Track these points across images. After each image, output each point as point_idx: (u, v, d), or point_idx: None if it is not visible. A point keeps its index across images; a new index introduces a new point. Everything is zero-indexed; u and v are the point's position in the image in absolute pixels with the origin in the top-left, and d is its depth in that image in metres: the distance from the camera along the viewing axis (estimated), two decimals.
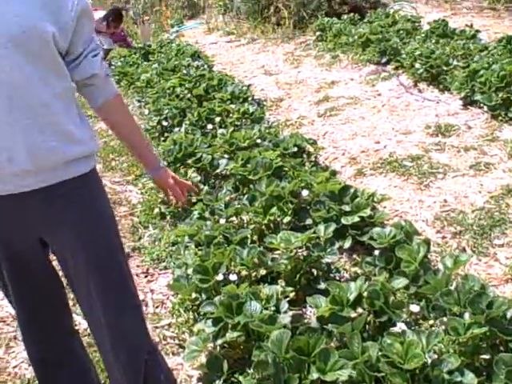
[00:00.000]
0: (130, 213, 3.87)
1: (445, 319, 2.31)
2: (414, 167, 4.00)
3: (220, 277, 2.66)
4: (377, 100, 5.48)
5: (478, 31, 6.55)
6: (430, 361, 2.09)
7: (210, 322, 2.44)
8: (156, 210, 3.73)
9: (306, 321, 2.56)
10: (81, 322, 2.69)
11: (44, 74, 1.57)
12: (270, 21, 9.22)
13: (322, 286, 2.70)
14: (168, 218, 3.66)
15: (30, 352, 2.03)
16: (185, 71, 6.18)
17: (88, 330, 2.41)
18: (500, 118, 4.56)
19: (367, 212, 3.09)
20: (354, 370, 2.06)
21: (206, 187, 3.71)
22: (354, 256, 3.04)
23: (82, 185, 1.73)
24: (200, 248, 3.06)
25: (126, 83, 6.76)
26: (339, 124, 5.03)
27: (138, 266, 3.26)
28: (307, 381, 2.08)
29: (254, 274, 2.80)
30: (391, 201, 3.55)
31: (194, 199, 3.60)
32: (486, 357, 2.19)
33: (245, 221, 3.36)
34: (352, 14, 8.27)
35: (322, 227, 2.97)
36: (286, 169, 3.73)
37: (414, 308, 2.44)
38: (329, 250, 2.85)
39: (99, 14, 7.67)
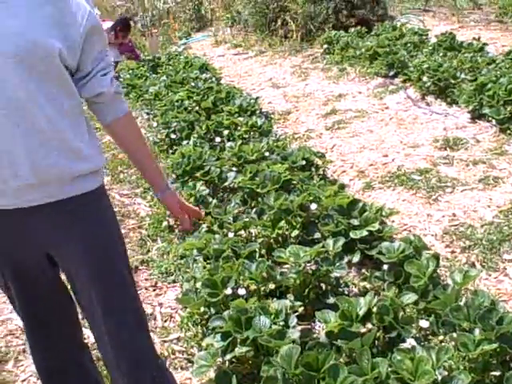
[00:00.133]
0: (139, 226, 3.88)
1: (454, 335, 2.30)
2: (422, 181, 4.00)
3: (229, 291, 2.66)
4: (384, 113, 5.49)
5: (485, 44, 6.56)
6: (440, 377, 2.08)
7: (218, 336, 2.43)
8: (164, 223, 3.73)
9: (314, 336, 2.55)
10: (90, 336, 2.69)
11: (49, 91, 1.56)
12: (278, 33, 9.26)
13: (331, 300, 2.70)
14: (176, 231, 3.67)
15: (38, 365, 2.03)
16: (193, 84, 6.21)
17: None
18: (508, 131, 4.55)
19: (376, 226, 3.08)
20: None
21: (214, 200, 3.71)
22: (363, 270, 3.04)
23: (89, 201, 1.72)
24: (208, 262, 3.06)
25: (134, 95, 6.79)
26: (347, 137, 5.04)
27: (146, 280, 3.26)
28: None
29: (262, 289, 2.79)
30: (400, 215, 3.55)
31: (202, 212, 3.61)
32: (497, 373, 2.18)
33: (253, 234, 3.37)
34: (359, 27, 8.29)
35: (330, 241, 2.97)
36: (295, 182, 3.74)
37: (424, 323, 2.43)
38: (337, 264, 2.84)
39: (107, 25, 7.73)
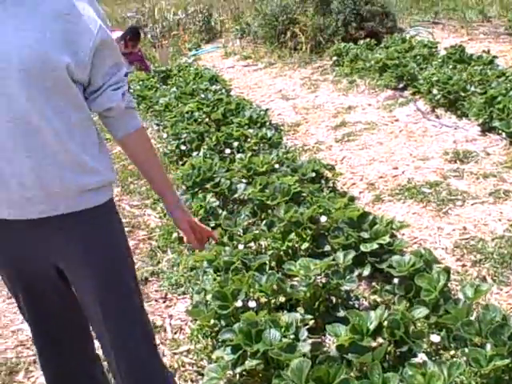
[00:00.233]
0: (149, 237, 3.89)
1: (466, 350, 2.28)
2: (432, 194, 3.99)
3: (239, 303, 2.66)
4: (394, 125, 5.50)
5: (495, 57, 6.55)
6: None
7: (228, 349, 2.43)
8: (174, 235, 3.74)
9: (325, 349, 2.54)
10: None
11: (56, 104, 1.56)
12: (287, 45, 9.29)
13: (341, 313, 2.69)
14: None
15: (47, 377, 2.03)
16: (203, 95, 6.24)
17: None
18: None
19: (386, 239, 3.08)
20: None
21: (224, 212, 3.72)
22: (373, 283, 3.03)
23: (98, 215, 1.72)
24: (218, 274, 3.06)
25: (144, 107, 6.82)
26: (357, 149, 5.04)
27: (156, 291, 3.27)
28: None
29: (272, 301, 2.80)
30: (410, 228, 3.54)
31: (212, 224, 3.62)
32: None
33: (263, 246, 3.37)
34: (368, 39, 8.31)
35: (341, 254, 2.96)
36: (304, 194, 3.74)
37: (435, 338, 2.42)
38: (348, 277, 2.83)
39: (116, 35, 7.80)
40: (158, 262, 3.55)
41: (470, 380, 2.19)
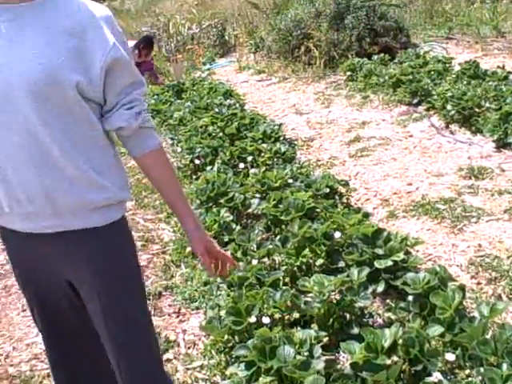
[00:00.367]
0: (163, 251, 3.90)
1: (482, 370, 2.26)
2: (446, 210, 3.97)
3: (253, 319, 2.66)
4: (408, 141, 5.49)
5: (509, 72, 6.52)
6: None
7: (242, 365, 2.43)
8: (188, 249, 3.74)
9: (339, 367, 2.53)
10: None
11: (66, 121, 1.56)
12: (301, 60, 9.32)
13: (355, 330, 2.68)
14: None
15: None
16: (217, 110, 6.27)
17: None
18: None
19: (400, 256, 3.07)
20: None
21: (238, 227, 3.73)
22: (387, 300, 3.02)
23: (108, 233, 1.73)
24: (232, 289, 3.07)
25: (159, 120, 6.86)
26: (370, 165, 5.04)
27: (169, 306, 3.27)
28: None
29: (286, 317, 2.79)
30: (424, 244, 3.52)
31: (226, 238, 3.63)
32: None
33: (277, 262, 3.37)
34: (382, 55, 8.31)
35: (355, 271, 2.95)
36: (318, 210, 3.74)
37: (450, 357, 2.40)
38: (362, 294, 2.83)
39: (129, 44, 7.87)
40: (172, 277, 3.56)
41: None
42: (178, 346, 2.93)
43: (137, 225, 4.29)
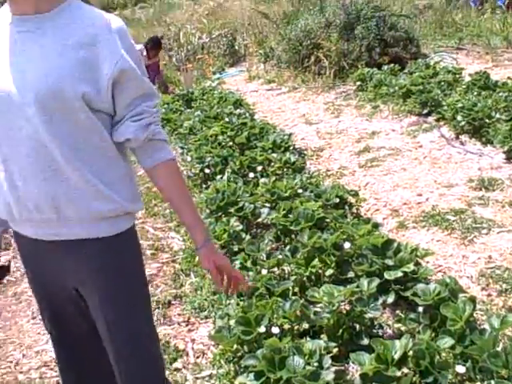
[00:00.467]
0: (172, 260, 3.91)
1: (492, 382, 2.25)
2: (457, 221, 3.96)
3: (262, 329, 2.66)
4: (418, 152, 5.48)
5: None
6: None
7: (252, 375, 2.43)
8: (198, 258, 3.75)
9: (348, 378, 2.52)
10: None
11: (70, 131, 1.58)
12: (311, 70, 9.34)
13: (365, 341, 2.67)
14: None
15: None
16: (227, 119, 6.29)
17: None
18: None
19: (411, 267, 3.06)
20: None
21: (247, 236, 3.73)
22: (397, 311, 3.01)
23: (117, 243, 1.74)
24: (242, 298, 3.07)
25: (169, 129, 6.89)
26: (380, 175, 5.04)
27: (179, 315, 3.27)
28: None
29: (296, 328, 2.79)
30: (434, 255, 3.51)
31: (235, 248, 3.63)
32: None
33: (286, 272, 3.37)
34: (392, 65, 8.32)
35: (365, 282, 2.95)
36: (328, 220, 3.74)
37: (460, 369, 2.39)
38: (372, 305, 2.81)
39: (137, 47, 7.93)
40: (181, 285, 3.56)
41: None
42: (187, 355, 2.93)
43: (146, 233, 4.30)
